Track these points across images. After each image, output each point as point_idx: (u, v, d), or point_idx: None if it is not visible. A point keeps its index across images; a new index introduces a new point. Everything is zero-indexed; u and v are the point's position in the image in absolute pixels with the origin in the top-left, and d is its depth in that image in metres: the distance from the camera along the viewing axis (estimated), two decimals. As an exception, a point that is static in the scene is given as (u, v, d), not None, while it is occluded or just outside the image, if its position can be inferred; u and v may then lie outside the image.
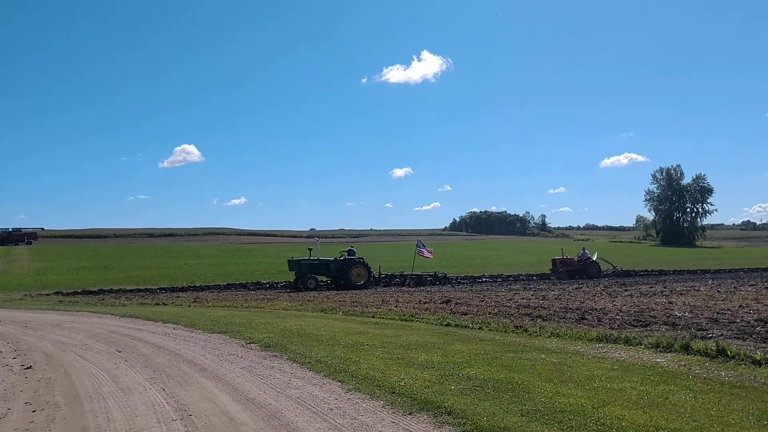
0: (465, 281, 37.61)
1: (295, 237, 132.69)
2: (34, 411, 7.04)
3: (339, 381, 7.97)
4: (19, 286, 36.60)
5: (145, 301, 26.03)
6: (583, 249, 42.69)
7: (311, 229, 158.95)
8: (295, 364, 9.31)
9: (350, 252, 35.16)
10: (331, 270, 33.54)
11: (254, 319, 15.82)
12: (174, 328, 14.44)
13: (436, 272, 37.34)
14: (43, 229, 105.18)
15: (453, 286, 32.81)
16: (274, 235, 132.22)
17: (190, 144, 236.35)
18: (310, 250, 35.17)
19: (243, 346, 11.37)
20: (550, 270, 41.02)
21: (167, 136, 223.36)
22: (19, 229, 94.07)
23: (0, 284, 38.57)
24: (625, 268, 44.10)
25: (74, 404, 7.34)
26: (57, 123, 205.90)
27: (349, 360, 9.28)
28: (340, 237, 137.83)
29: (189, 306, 22.65)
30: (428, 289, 31.13)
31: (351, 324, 14.39)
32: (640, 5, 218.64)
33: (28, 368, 9.79)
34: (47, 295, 31.04)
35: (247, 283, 36.36)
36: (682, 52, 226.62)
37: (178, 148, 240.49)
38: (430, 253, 39.52)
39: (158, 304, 23.91)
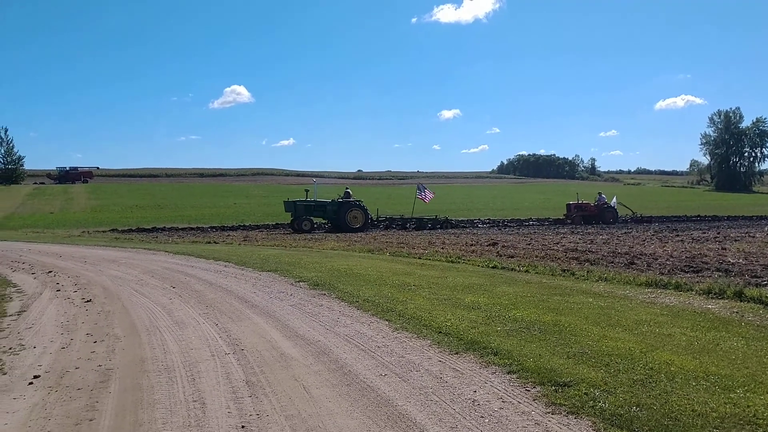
0: (466, 224, 37.24)
1: (342, 178, 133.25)
2: (95, 342, 7.38)
3: (386, 320, 8.09)
4: (77, 223, 37.93)
5: (197, 239, 26.68)
6: (600, 194, 41.09)
7: (358, 170, 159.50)
8: (343, 303, 9.48)
9: (346, 194, 34.48)
10: (327, 212, 33.06)
11: (302, 258, 16.08)
12: (225, 266, 14.80)
13: (437, 216, 36.58)
14: (98, 168, 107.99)
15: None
16: (322, 176, 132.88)
17: (240, 85, 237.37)
18: (307, 191, 34.21)
19: (292, 284, 11.60)
20: (564, 215, 40.01)
21: (217, 76, 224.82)
22: (76, 168, 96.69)
23: (59, 221, 40.03)
24: (646, 214, 42.20)
25: (132, 336, 7.65)
26: (110, 62, 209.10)
27: (396, 300, 9.40)
28: (386, 179, 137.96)
29: (239, 245, 23.14)
30: (474, 231, 31.09)
31: (398, 265, 14.52)
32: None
33: (88, 301, 10.21)
34: (103, 232, 32.12)
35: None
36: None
37: (228, 89, 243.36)
38: (431, 193, 38.76)
39: (209, 243, 24.48)
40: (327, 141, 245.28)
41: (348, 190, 35.40)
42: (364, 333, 7.46)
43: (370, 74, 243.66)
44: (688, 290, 10.02)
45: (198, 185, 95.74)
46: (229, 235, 29.22)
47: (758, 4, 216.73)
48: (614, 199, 41.61)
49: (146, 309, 9.48)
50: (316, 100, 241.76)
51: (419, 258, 16.39)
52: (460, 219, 40.27)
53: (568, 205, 40.24)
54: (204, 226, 35.49)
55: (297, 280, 12.02)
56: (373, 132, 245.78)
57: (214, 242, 24.72)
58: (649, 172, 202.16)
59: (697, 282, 10.68)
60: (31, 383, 5.76)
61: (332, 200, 33.53)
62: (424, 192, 37.88)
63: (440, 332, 7.24)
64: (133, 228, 34.18)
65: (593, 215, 38.93)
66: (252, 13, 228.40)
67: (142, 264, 15.62)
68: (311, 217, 32.67)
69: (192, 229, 34.34)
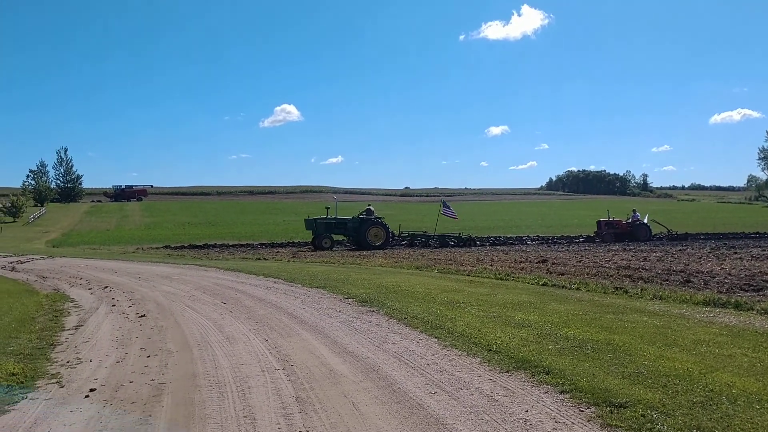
0: (514, 241, 36.92)
1: (390, 195, 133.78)
2: (149, 356, 7.51)
3: (435, 337, 8.02)
4: (132, 240, 38.89)
5: (247, 256, 27.01)
6: (634, 211, 39.84)
7: (406, 187, 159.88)
8: (391, 320, 9.45)
9: (368, 211, 33.89)
10: (348, 229, 32.74)
11: (351, 275, 16.11)
12: (275, 282, 14.92)
13: (460, 233, 35.83)
14: (152, 186, 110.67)
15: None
16: (369, 194, 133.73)
17: (290, 104, 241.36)
18: (328, 208, 33.88)
19: (341, 300, 11.62)
20: (594, 232, 38.68)
21: (268, 95, 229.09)
22: (131, 186, 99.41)
23: (115, 238, 41.11)
24: (681, 232, 40.61)
25: (184, 351, 7.76)
26: (166, 83, 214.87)
27: (445, 317, 9.32)
28: (433, 195, 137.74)
29: (288, 261, 23.34)
30: (523, 248, 30.72)
31: (446, 282, 14.42)
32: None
33: (142, 316, 10.42)
34: (157, 248, 32.83)
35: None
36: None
37: (278, 108, 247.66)
38: (455, 214, 38.17)
39: (259, 259, 24.77)
40: (375, 158, 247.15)
41: (370, 207, 34.89)
42: (413, 350, 7.41)
43: (418, 91, 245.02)
44: (748, 309, 9.69)
45: (248, 203, 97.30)
46: (278, 252, 29.52)
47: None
48: (647, 217, 40.48)
49: (198, 324, 9.61)
50: (365, 119, 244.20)
51: (468, 275, 16.26)
52: (508, 236, 39.85)
53: (599, 222, 38.94)
54: (254, 243, 35.93)
55: (345, 296, 12.04)
56: (420, 149, 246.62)
57: (264, 259, 25.00)
58: (703, 188, 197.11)
59: (758, 301, 10.33)
60: (87, 396, 5.88)
61: (353, 217, 33.26)
62: (449, 209, 37.34)
63: (490, 350, 7.14)
64: (185, 244, 34.84)
65: (625, 232, 37.69)
66: (303, 35, 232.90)
67: (193, 280, 15.88)
68: (331, 235, 32.43)
69: (242, 245, 34.81)
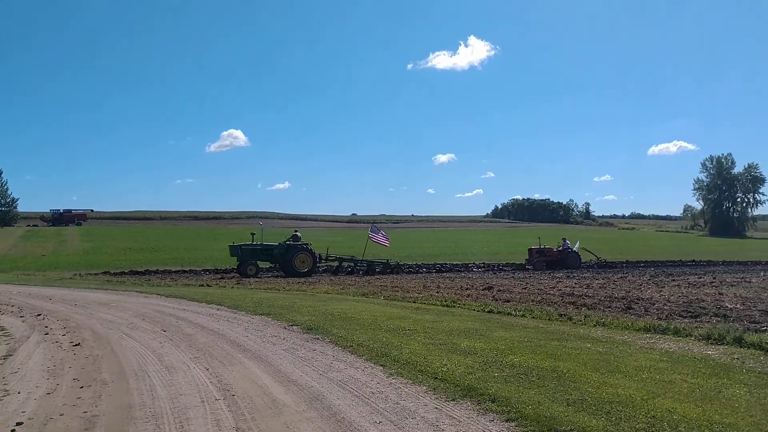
0: (461, 268, 36.88)
1: (337, 222, 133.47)
2: (82, 387, 7.17)
3: (381, 365, 7.92)
4: (69, 266, 37.58)
5: (190, 282, 26.43)
6: (564, 239, 40.76)
7: (353, 214, 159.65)
8: (336, 348, 9.31)
9: (294, 237, 32.96)
10: (274, 256, 31.92)
11: (296, 301, 15.90)
12: (218, 309, 14.60)
13: (388, 260, 35.30)
14: (92, 210, 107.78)
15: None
16: (316, 220, 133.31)
17: (237, 129, 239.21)
18: (253, 234, 33.02)
19: (285, 328, 11.42)
20: (525, 260, 39.18)
21: (215, 120, 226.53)
22: (70, 211, 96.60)
23: (51, 263, 39.69)
24: (611, 260, 42.17)
25: (120, 381, 7.45)
26: (110, 106, 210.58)
27: (390, 344, 9.23)
28: (380, 222, 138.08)
29: (232, 288, 22.91)
30: (469, 275, 30.92)
31: (392, 309, 14.35)
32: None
33: (76, 345, 10.00)
34: (96, 274, 31.80)
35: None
36: (734, 40, 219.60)
37: (225, 133, 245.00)
38: (386, 239, 36.98)
39: (202, 285, 24.24)
40: (322, 185, 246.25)
41: (296, 233, 33.91)
42: (358, 378, 7.28)
43: (366, 119, 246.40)
44: (687, 335, 9.91)
45: (192, 228, 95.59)
46: (222, 278, 28.97)
47: (749, 53, 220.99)
48: (577, 245, 41.29)
49: (135, 353, 9.28)
50: (312, 145, 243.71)
51: (414, 302, 16.22)
52: (454, 263, 40.10)
53: (530, 250, 39.44)
54: (197, 269, 35.17)
55: (290, 323, 11.83)
56: (368, 176, 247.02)
57: (207, 285, 24.48)
58: (643, 217, 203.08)
59: (696, 327, 10.57)
60: (13, 431, 5.57)
61: (279, 243, 32.41)
62: (379, 234, 36.40)
63: (436, 378, 7.07)
64: (126, 270, 33.84)
65: (556, 260, 38.35)
66: (250, 58, 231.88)
67: (133, 307, 15.39)
68: (257, 261, 31.60)
69: (185, 271, 34.04)
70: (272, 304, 14.97)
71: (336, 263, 34.78)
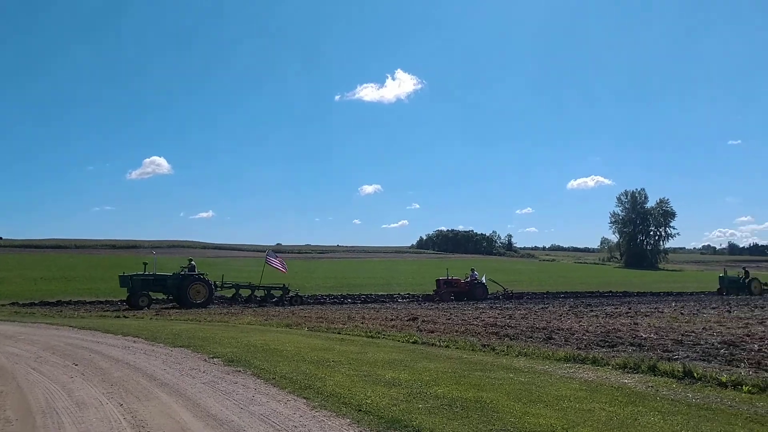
0: (386, 299, 37.16)
1: (261, 251, 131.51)
2: (-18, 426, 6.71)
3: (304, 398, 7.76)
4: (-27, 296, 35.48)
5: (106, 314, 25.43)
6: (472, 270, 41.22)
7: (277, 243, 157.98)
8: (259, 380, 9.08)
9: (191, 267, 31.93)
10: (168, 286, 30.78)
11: (218, 333, 15.50)
12: (134, 342, 14.06)
13: (285, 285, 34.45)
14: (1, 238, 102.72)
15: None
16: (240, 249, 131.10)
17: (160, 156, 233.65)
18: (146, 264, 31.62)
19: (206, 360, 11.08)
20: (433, 291, 39.37)
21: (137, 147, 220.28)
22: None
23: (-46, 294, 37.38)
24: (517, 291, 43.08)
25: (26, 419, 7.01)
26: (24, 131, 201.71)
27: (314, 376, 9.08)
28: (306, 252, 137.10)
29: (150, 319, 22.16)
30: (394, 306, 30.95)
31: (316, 340, 14.17)
32: (609, 34, 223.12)
33: (-22, 381, 9.38)
34: (2, 305, 30.13)
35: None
36: (649, 81, 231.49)
37: (147, 160, 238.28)
38: (283, 266, 35.91)
39: (119, 317, 23.35)
40: (246, 214, 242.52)
41: (193, 263, 32.85)
42: (280, 412, 7.10)
43: (292, 148, 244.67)
44: (604, 365, 10.15)
45: (110, 257, 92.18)
46: (150, 308, 28.03)
47: (660, 89, 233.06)
48: (484, 276, 41.88)
49: (44, 389, 8.77)
50: (237, 174, 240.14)
51: (339, 333, 16.07)
52: (380, 294, 40.15)
53: (438, 281, 39.56)
54: (114, 300, 33.85)
55: (211, 356, 11.49)
56: (293, 206, 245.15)
57: (124, 316, 23.58)
58: (562, 249, 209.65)
59: (613, 356, 10.86)
60: None
61: (173, 273, 31.35)
62: (275, 260, 35.54)
63: (360, 410, 6.98)
64: (36, 301, 32.20)
65: (463, 291, 38.67)
66: (173, 84, 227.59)
67: (42, 340, 14.63)
68: (149, 292, 30.13)
69: (101, 302, 32.72)
70: (192, 336, 14.54)
71: (233, 290, 33.80)
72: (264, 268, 35.33)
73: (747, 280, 45.37)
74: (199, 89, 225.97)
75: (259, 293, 34.05)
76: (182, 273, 31.28)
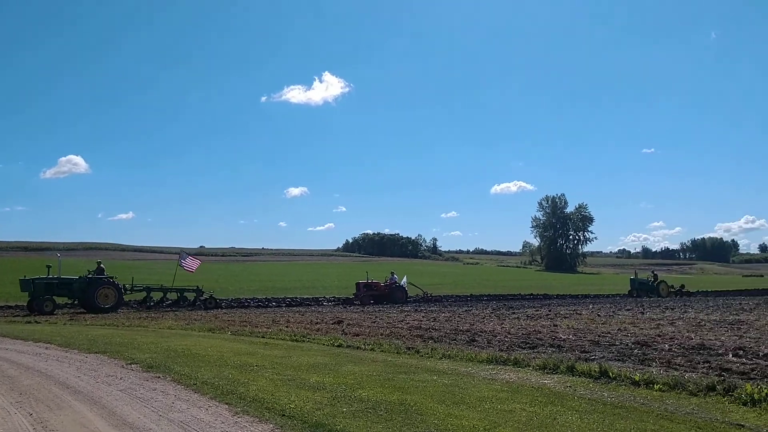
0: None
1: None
2: None
3: (226, 403, 7.59)
4: None
5: (15, 319, 24.29)
6: (392, 273, 41.73)
7: (201, 246, 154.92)
8: (179, 386, 8.83)
9: (99, 270, 30.96)
10: (73, 290, 29.56)
11: (136, 338, 15.02)
12: (46, 348, 13.46)
13: (198, 287, 34.11)
14: None
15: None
16: (162, 252, 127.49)
17: (77, 155, 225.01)
18: (49, 267, 30.01)
19: (123, 366, 10.71)
20: (353, 294, 39.72)
21: (53, 145, 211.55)
22: None
23: None
24: (435, 294, 44.03)
25: (-76, 432, 6.59)
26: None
27: (237, 381, 8.90)
28: (230, 255, 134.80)
29: (65, 324, 21.27)
30: (319, 309, 30.80)
31: (240, 344, 13.93)
32: (530, 41, 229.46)
33: None
34: None
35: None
36: (570, 89, 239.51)
37: (63, 159, 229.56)
38: (192, 266, 35.48)
39: (30, 322, 22.33)
40: (169, 216, 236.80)
41: (101, 265, 31.81)
42: (201, 418, 6.92)
43: (217, 149, 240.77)
44: (525, 366, 10.38)
45: (21, 260, 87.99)
46: (54, 314, 26.84)
47: (580, 97, 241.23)
48: (404, 279, 42.38)
49: (-55, 399, 8.27)
50: (159, 175, 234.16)
51: (263, 337, 15.85)
52: (305, 297, 39.90)
53: (358, 284, 39.70)
54: (23, 305, 32.35)
55: (129, 362, 11.11)
56: (217, 208, 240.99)
57: (36, 321, 22.57)
58: (486, 252, 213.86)
59: (534, 358, 11.11)
60: None
61: (80, 277, 30.15)
62: (186, 260, 35.20)
63: (284, 415, 6.88)
64: (-63, 307, 30.49)
65: (383, 294, 38.86)
66: (94, 84, 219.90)
67: (-55, 347, 13.81)
68: (53, 297, 28.81)
69: (10, 307, 31.17)
70: (109, 341, 14.03)
71: (144, 293, 33.03)
72: (176, 270, 34.63)
73: (656, 283, 49.17)
74: (121, 88, 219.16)
75: (172, 296, 33.20)
76: (89, 276, 30.13)
